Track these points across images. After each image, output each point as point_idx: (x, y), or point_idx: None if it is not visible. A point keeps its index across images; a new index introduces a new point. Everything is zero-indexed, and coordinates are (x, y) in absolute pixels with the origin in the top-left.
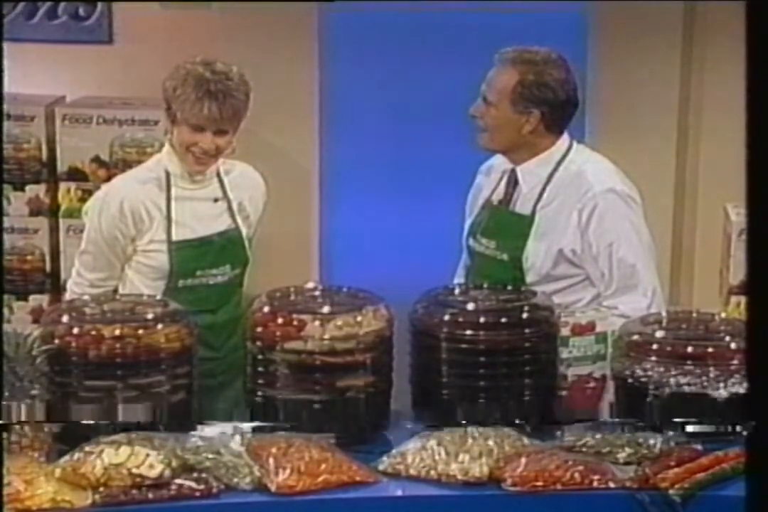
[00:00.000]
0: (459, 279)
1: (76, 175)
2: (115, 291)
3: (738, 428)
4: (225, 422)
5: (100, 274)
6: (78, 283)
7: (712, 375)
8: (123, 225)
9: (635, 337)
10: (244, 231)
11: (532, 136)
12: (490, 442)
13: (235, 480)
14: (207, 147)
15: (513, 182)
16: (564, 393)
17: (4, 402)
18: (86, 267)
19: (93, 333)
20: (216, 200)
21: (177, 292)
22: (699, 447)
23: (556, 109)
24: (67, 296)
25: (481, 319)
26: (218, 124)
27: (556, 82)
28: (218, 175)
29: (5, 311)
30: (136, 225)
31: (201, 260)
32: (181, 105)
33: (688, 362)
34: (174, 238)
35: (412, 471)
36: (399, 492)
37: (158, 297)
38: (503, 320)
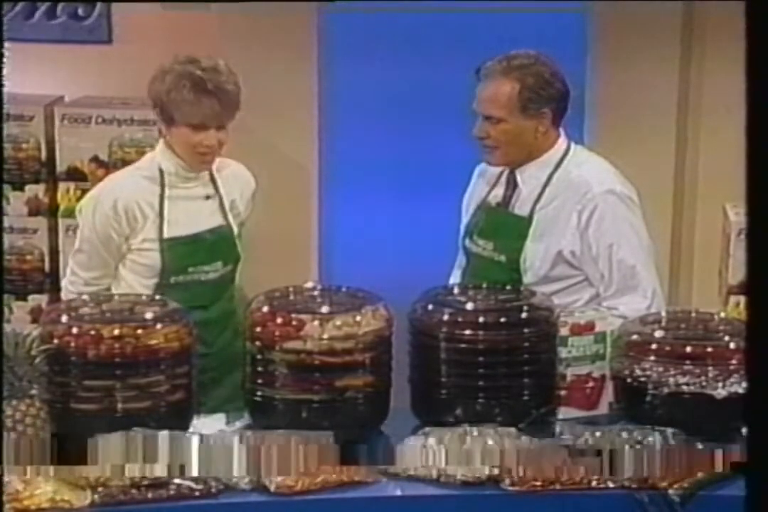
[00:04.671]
0: (454, 280)
1: (75, 174)
2: (108, 289)
3: (738, 428)
4: (224, 421)
5: (95, 273)
6: (73, 282)
7: (711, 374)
8: (117, 224)
9: (634, 337)
10: (235, 228)
11: (542, 138)
12: (490, 441)
13: (235, 480)
14: (211, 143)
15: (512, 184)
16: (563, 392)
17: (4, 402)
18: (81, 266)
19: (92, 333)
20: (208, 197)
21: (169, 289)
22: (699, 446)
23: (560, 103)
24: (63, 294)
25: (481, 319)
26: (220, 119)
27: (553, 77)
28: (210, 172)
29: (5, 311)
30: (130, 223)
31: (192, 257)
32: (179, 106)
33: (687, 362)
34: (166, 235)
35: (411, 471)
36: (398, 492)
37: (157, 296)
38: (502, 320)
